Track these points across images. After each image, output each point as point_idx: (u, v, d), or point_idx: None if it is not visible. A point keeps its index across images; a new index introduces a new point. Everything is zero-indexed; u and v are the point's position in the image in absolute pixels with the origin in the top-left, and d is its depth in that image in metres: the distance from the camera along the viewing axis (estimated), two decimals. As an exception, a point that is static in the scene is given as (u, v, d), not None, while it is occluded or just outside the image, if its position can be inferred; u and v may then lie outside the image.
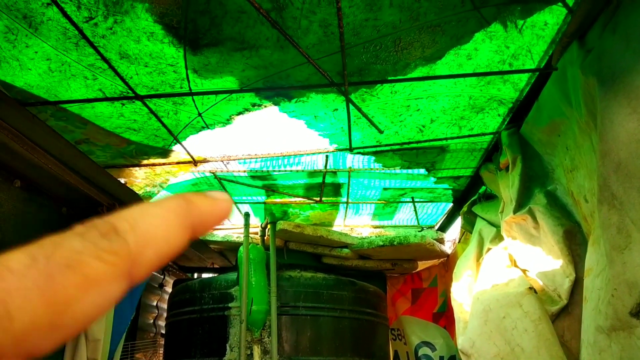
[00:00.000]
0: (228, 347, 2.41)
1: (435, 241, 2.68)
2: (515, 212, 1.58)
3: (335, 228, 2.97)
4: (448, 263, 2.95)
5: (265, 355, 2.35)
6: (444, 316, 2.98)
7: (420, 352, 2.98)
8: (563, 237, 1.43)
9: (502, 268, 1.61)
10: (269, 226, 2.64)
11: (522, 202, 1.59)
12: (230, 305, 2.48)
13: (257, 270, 2.48)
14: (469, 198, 2.27)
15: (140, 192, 2.39)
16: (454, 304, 1.78)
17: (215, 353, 2.43)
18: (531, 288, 1.41)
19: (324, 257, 2.91)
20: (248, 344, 2.35)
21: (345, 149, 1.89)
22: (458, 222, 2.79)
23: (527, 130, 1.56)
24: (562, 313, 1.37)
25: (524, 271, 1.54)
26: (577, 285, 1.39)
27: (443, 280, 3.05)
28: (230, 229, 3.22)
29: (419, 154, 1.89)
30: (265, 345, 2.37)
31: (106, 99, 1.52)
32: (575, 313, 1.37)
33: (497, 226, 1.91)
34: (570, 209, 1.49)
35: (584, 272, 1.32)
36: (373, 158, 1.96)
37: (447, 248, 2.87)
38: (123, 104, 1.57)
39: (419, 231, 2.73)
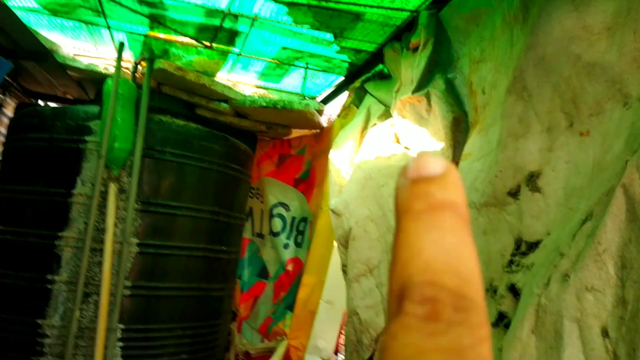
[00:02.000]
0: (79, 181, 2.23)
1: (316, 112, 2.70)
2: (413, 92, 1.64)
3: (217, 80, 2.80)
4: (320, 135, 3.03)
5: (121, 194, 2.23)
6: (305, 183, 3.13)
7: (275, 211, 3.13)
8: (451, 122, 1.54)
9: (387, 143, 1.69)
10: (144, 62, 2.38)
11: (422, 84, 1.64)
12: (87, 138, 2.26)
13: (125, 107, 2.26)
14: (362, 74, 2.29)
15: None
16: (331, 168, 1.85)
17: (63, 185, 2.23)
18: (413, 163, 1.52)
19: (198, 108, 2.75)
20: (104, 180, 2.20)
21: (259, -12, 1.71)
22: (341, 98, 2.84)
23: (448, 15, 1.57)
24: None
25: (406, 148, 1.65)
26: (449, 168, 1.52)
27: (311, 151, 3.15)
28: (95, 58, 2.83)
29: (333, 16, 1.80)
30: (123, 184, 2.25)
31: None
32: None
33: (385, 105, 1.98)
34: (463, 99, 1.59)
35: (462, 156, 1.46)
36: (285, 9, 1.81)
37: (323, 121, 2.93)
38: None
39: (302, 99, 2.71)
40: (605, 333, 0.64)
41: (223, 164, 2.58)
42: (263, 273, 3.16)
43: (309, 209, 3.02)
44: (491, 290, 1.03)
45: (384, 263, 1.37)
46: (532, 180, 1.01)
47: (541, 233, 0.95)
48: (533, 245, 0.95)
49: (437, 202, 0.20)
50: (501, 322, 0.94)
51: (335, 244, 2.21)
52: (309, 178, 3.11)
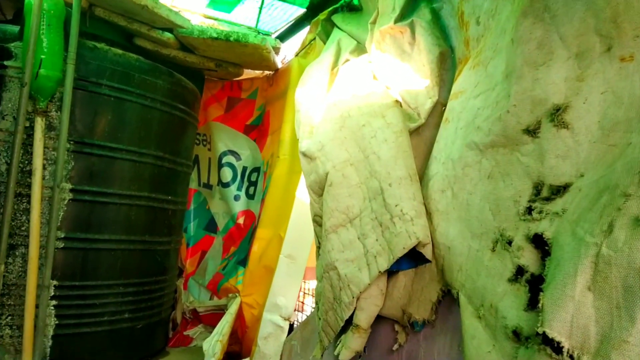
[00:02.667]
0: (-3, 115, 1.89)
1: (272, 49, 2.45)
2: (396, 22, 1.45)
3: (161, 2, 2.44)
4: (274, 78, 2.79)
5: (50, 131, 1.92)
6: (257, 130, 2.90)
7: (224, 160, 2.89)
8: (438, 57, 1.37)
9: (365, 80, 1.51)
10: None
11: (405, 13, 1.45)
12: (7, 63, 1.90)
13: (52, 27, 1.90)
14: (327, 6, 2.05)
15: None
16: (299, 108, 1.65)
17: (-25, 119, 1.88)
18: (397, 101, 1.35)
19: (137, 37, 2.42)
20: (29, 114, 1.87)
21: None
22: (300, 35, 2.59)
23: None
24: (413, 133, 1.35)
25: (387, 88, 1.47)
26: (434, 109, 1.37)
27: (264, 94, 2.90)
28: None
29: None
30: (52, 120, 1.93)
31: None
32: (425, 135, 1.37)
33: (357, 40, 1.78)
34: (450, 32, 1.42)
35: (451, 95, 1.30)
36: None
37: (278, 61, 2.68)
38: None
39: (256, 34, 2.44)
40: (700, 290, 0.51)
41: (168, 102, 2.30)
42: (211, 226, 2.95)
43: (262, 158, 2.81)
44: (502, 242, 0.89)
45: (367, 212, 1.21)
46: (557, 114, 0.86)
47: (570, 175, 0.82)
48: (560, 189, 0.82)
49: None
50: (521, 277, 0.81)
51: (297, 193, 2.04)
52: (261, 125, 2.88)
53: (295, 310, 2.08)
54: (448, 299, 1.10)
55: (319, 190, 1.38)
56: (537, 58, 0.93)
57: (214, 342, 2.13)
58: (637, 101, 0.75)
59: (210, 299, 2.71)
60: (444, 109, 1.37)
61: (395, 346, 1.22)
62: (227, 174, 2.88)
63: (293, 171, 2.30)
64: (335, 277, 1.22)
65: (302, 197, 1.99)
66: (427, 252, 1.10)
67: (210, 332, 2.65)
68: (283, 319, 1.94)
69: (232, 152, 2.90)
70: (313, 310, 2.03)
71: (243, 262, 2.55)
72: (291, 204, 2.21)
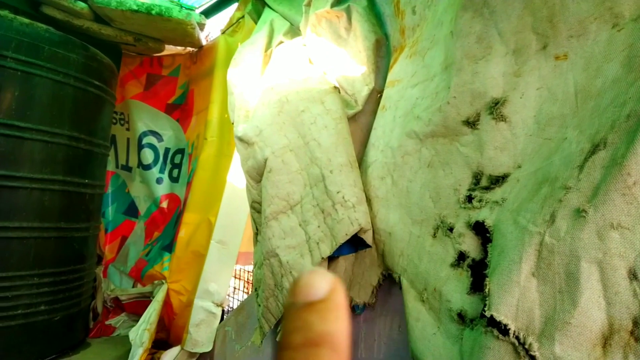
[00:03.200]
0: None
1: (197, 25, 2.34)
2: (332, 6, 1.44)
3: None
4: (199, 55, 2.67)
5: (-56, 108, 1.70)
6: (179, 109, 2.78)
7: (144, 140, 2.75)
8: (374, 44, 1.39)
9: (301, 64, 1.49)
10: None
11: (342, -2, 1.45)
12: None
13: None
14: (258, -16, 1.99)
15: None
16: (233, 90, 1.60)
17: None
18: (336, 87, 1.35)
19: (46, 5, 2.21)
20: None
21: None
22: (227, 12, 2.50)
23: None
24: (350, 120, 1.37)
25: (323, 72, 1.46)
26: (370, 96, 1.39)
27: (187, 72, 2.78)
28: None
29: None
30: (-55, 95, 1.71)
31: None
32: (361, 121, 1.39)
33: (290, 21, 1.75)
34: (386, 19, 1.44)
35: (387, 83, 1.33)
36: None
37: (203, 38, 2.58)
38: None
39: (180, 8, 2.32)
40: (633, 275, 0.57)
41: (82, 78, 2.12)
42: (131, 210, 2.80)
43: (187, 140, 2.70)
44: (443, 228, 0.94)
45: (308, 198, 1.21)
46: (496, 107, 0.91)
47: (508, 166, 0.87)
48: (499, 179, 0.87)
49: (314, 337, 0.21)
50: (463, 262, 0.86)
51: (228, 177, 1.99)
52: (185, 104, 2.76)
53: (228, 295, 2.05)
54: (388, 283, 1.14)
55: (257, 176, 1.36)
56: (476, 52, 0.97)
57: (142, 331, 2.05)
58: (571, 98, 0.81)
59: (133, 286, 2.59)
60: (380, 96, 1.40)
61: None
62: (148, 155, 2.74)
63: (222, 154, 2.25)
64: (277, 264, 1.21)
65: (234, 181, 1.95)
66: (368, 237, 1.13)
67: (134, 321, 2.55)
68: (215, 305, 1.90)
69: (153, 133, 2.76)
70: (248, 296, 2.01)
71: (168, 247, 2.46)
72: (221, 187, 2.15)
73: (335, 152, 1.21)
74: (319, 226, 1.16)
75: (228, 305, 2.20)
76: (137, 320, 2.53)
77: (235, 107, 1.51)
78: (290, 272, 1.18)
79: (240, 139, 1.40)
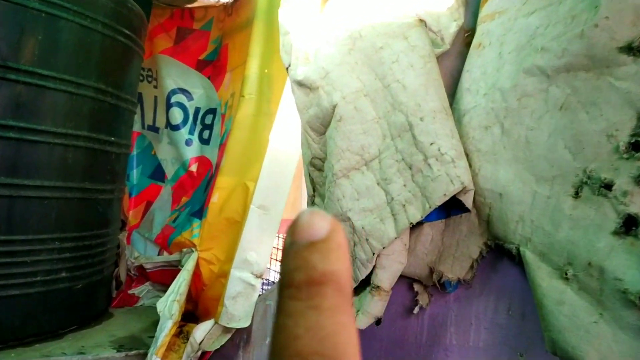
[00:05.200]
0: None
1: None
2: None
3: None
4: (233, 7, 2.44)
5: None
6: (212, 66, 2.56)
7: (173, 99, 2.54)
8: (463, -28, 1.15)
9: (373, -4, 1.25)
10: None
11: None
12: None
13: None
14: None
15: None
16: (287, 30, 1.37)
17: None
18: (422, 20, 1.12)
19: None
20: None
21: None
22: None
23: None
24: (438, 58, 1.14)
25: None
26: (457, 35, 1.16)
27: (220, 26, 2.55)
28: None
29: None
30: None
31: None
32: (445, 65, 1.16)
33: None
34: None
35: (483, 17, 1.10)
36: None
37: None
38: None
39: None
40: None
41: (111, 25, 1.91)
42: (158, 174, 2.62)
43: (219, 99, 2.49)
44: (593, 186, 0.72)
45: (389, 152, 0.99)
46: (675, 25, 0.68)
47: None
48: (684, 119, 0.65)
49: (317, 275, 0.21)
50: (636, 227, 0.64)
51: (270, 137, 1.78)
52: (218, 60, 2.54)
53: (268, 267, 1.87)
54: (492, 256, 0.93)
55: (320, 127, 1.15)
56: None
57: (170, 302, 1.88)
58: None
59: (159, 254, 2.42)
60: (468, 35, 1.17)
61: (416, 309, 1.04)
62: (176, 115, 2.54)
63: (261, 112, 2.03)
64: (348, 230, 1.00)
65: (278, 141, 1.74)
66: (469, 200, 0.92)
67: (159, 291, 2.39)
68: (255, 276, 1.71)
69: (183, 91, 2.55)
70: None
71: (198, 213, 2.28)
72: (260, 149, 1.95)
73: (425, 95, 0.99)
74: (404, 185, 0.95)
75: (268, 277, 2.02)
76: (162, 290, 2.36)
77: (293, 48, 1.29)
78: (367, 239, 0.97)
79: (300, 84, 1.19)
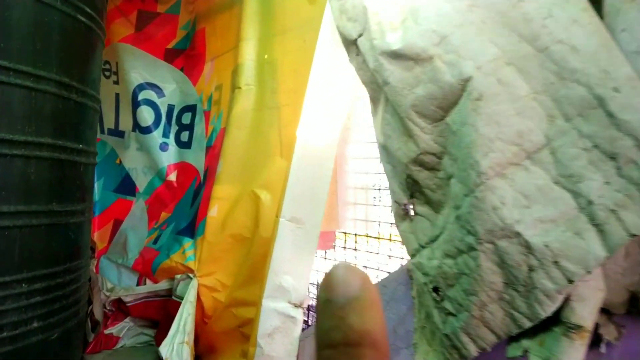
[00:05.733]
0: None
1: None
2: None
3: None
4: (209, -16, 2.07)
5: None
6: (184, 55, 2.17)
7: (140, 96, 2.13)
8: None
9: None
10: None
11: None
12: None
13: None
14: None
15: None
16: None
17: None
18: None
19: None
20: None
21: None
22: None
23: None
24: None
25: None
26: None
27: (190, 9, 2.17)
28: None
29: None
30: None
31: None
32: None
33: None
34: None
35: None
36: None
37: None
38: None
39: None
40: None
41: (70, 1, 1.49)
42: (126, 187, 2.18)
43: (198, 93, 2.11)
44: None
45: (568, 138, 0.73)
46: None
47: None
48: None
49: (354, 336, 0.20)
50: None
51: (298, 133, 1.45)
52: (192, 49, 2.15)
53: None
54: None
55: (436, 110, 0.86)
56: None
57: (178, 345, 1.52)
58: None
59: (139, 283, 2.01)
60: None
61: (603, 347, 0.79)
62: (146, 115, 2.12)
63: (264, 106, 1.70)
64: (518, 250, 0.73)
65: (308, 138, 1.41)
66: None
67: (143, 327, 1.99)
68: (294, 305, 1.38)
69: (152, 86, 2.14)
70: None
71: (187, 231, 1.90)
72: (269, 149, 1.63)
73: (610, 58, 0.73)
74: (607, 182, 0.69)
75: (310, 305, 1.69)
76: (147, 326, 1.98)
77: (367, 12, 0.98)
78: (557, 262, 0.70)
79: (397, 55, 0.89)
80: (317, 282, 1.73)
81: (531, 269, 0.72)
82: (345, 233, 1.69)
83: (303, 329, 1.40)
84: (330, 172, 1.40)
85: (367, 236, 1.63)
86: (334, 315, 0.21)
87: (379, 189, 1.55)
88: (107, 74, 2.18)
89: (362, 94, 1.65)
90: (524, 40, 0.79)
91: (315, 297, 1.78)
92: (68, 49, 1.51)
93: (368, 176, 1.60)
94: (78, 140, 1.58)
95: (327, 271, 0.22)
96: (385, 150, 1.00)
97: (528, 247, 0.72)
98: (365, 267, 1.57)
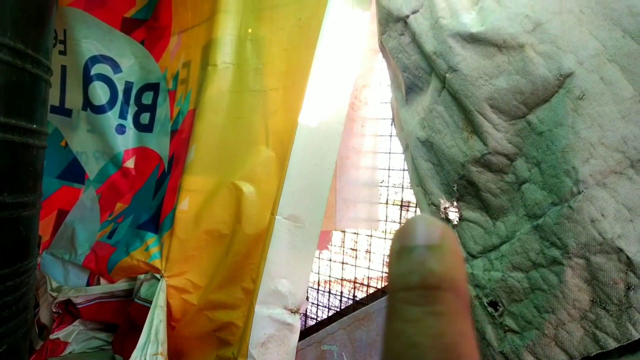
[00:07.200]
0: None
1: None
2: None
3: None
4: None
5: None
6: (145, 27, 1.94)
7: (94, 70, 1.87)
8: None
9: None
10: None
11: None
12: None
13: None
14: None
15: None
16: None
17: None
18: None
19: None
20: None
21: None
22: None
23: None
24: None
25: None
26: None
27: (152, -25, 1.94)
28: None
29: None
30: None
31: None
32: None
33: None
34: None
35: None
36: None
37: None
38: None
39: None
40: None
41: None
42: (72, 173, 1.92)
43: (161, 70, 1.90)
44: None
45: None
46: None
47: None
48: None
49: (434, 280, 0.20)
50: None
51: (300, 119, 1.32)
52: (154, 20, 1.92)
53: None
54: None
55: (519, 107, 0.78)
56: None
57: (151, 357, 1.34)
58: None
59: (90, 282, 1.78)
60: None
61: None
62: (99, 92, 1.87)
63: (246, 88, 1.55)
64: (617, 267, 0.68)
65: (311, 128, 1.29)
66: None
67: (94, 330, 1.78)
68: (290, 311, 1.26)
69: (106, 59, 1.89)
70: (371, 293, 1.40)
71: (149, 225, 1.71)
72: (253, 137, 1.49)
73: None
74: None
75: (308, 310, 1.57)
76: (98, 330, 1.78)
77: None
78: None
79: (477, 39, 0.81)
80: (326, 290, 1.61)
81: (629, 287, 0.67)
82: (344, 232, 1.59)
83: (301, 337, 1.30)
84: (334, 166, 1.30)
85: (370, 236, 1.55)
86: (412, 261, 0.20)
87: (387, 187, 1.46)
88: (53, 42, 1.89)
89: (371, 82, 1.55)
90: (628, 35, 0.73)
91: (313, 300, 1.67)
92: (23, 10, 1.27)
93: (373, 172, 1.51)
94: (32, 120, 1.35)
95: (405, 221, 0.20)
96: (428, 147, 0.92)
97: (629, 265, 0.67)
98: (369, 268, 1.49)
